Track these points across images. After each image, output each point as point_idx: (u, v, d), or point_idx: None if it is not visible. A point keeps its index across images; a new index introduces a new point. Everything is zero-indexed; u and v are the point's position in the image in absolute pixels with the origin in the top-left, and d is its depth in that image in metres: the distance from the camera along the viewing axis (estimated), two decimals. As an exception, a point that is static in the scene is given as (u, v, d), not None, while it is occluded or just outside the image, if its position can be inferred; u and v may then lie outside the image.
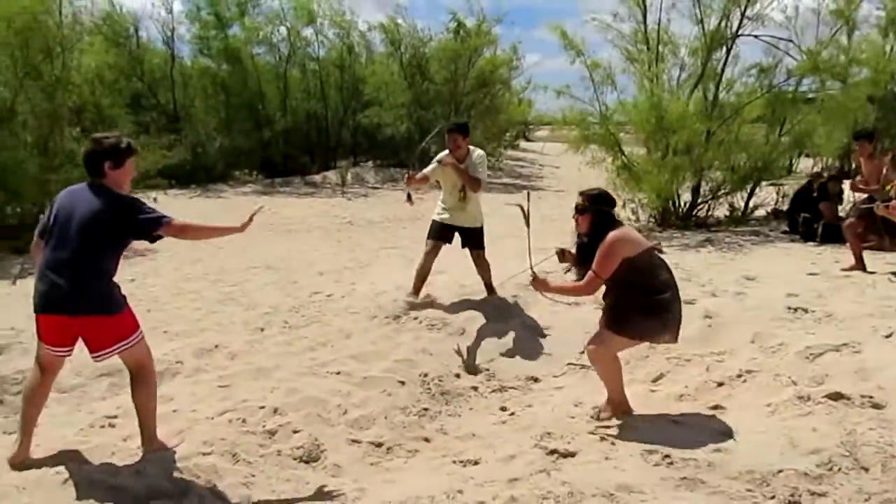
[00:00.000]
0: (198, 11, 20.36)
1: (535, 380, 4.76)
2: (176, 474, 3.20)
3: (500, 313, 5.65)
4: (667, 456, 3.23)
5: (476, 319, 5.49)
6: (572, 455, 3.49)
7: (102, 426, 3.83)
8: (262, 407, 3.98)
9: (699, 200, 10.01)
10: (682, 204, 10.03)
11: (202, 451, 3.45)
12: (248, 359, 4.96)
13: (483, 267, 5.97)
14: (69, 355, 3.44)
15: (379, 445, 3.80)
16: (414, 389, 4.45)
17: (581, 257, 3.91)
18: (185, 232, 3.43)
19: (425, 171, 5.85)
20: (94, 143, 3.46)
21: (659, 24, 9.61)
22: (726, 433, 3.41)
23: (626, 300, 3.73)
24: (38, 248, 3.40)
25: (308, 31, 21.74)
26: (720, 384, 4.09)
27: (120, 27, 21.69)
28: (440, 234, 5.90)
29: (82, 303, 3.22)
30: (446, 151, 5.79)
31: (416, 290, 5.96)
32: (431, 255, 5.87)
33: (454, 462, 3.57)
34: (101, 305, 3.26)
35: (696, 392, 4.09)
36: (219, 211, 16.02)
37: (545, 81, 17.23)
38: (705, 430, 3.50)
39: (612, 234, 3.74)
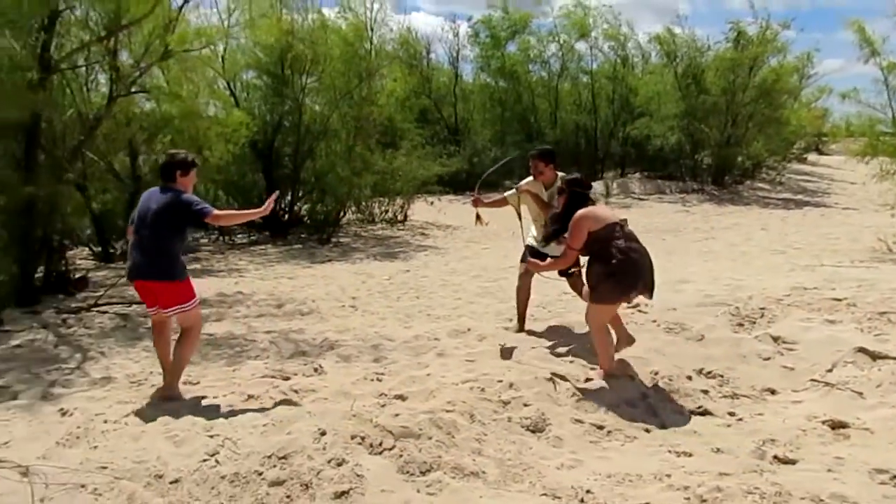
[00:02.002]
0: (477, 35, 22.06)
1: (772, 392, 4.66)
2: (422, 422, 3.85)
3: (742, 324, 5.57)
4: (896, 477, 3.10)
5: (716, 328, 5.47)
6: (792, 462, 3.48)
7: (371, 379, 4.67)
8: (500, 381, 4.51)
9: None
10: None
11: (446, 408, 4.07)
12: (495, 342, 5.56)
13: (578, 290, 5.57)
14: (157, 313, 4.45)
15: (600, 428, 4.10)
16: (642, 384, 4.65)
17: (555, 230, 4.68)
18: (220, 219, 4.54)
19: (506, 194, 5.87)
20: (169, 156, 4.50)
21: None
22: (980, 466, 3.14)
23: (593, 271, 4.47)
24: (130, 231, 4.51)
25: (581, 46, 22.32)
26: None
27: (415, 50, 24.23)
28: (532, 253, 5.67)
29: (153, 272, 4.29)
30: (530, 178, 5.74)
31: (521, 318, 5.81)
32: (525, 278, 5.71)
33: (669, 451, 3.75)
34: (167, 274, 4.28)
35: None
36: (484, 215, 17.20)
37: (846, 89, 15.69)
38: (955, 460, 3.24)
39: (579, 212, 4.46)
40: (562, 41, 21.97)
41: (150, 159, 12.05)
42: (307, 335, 6.18)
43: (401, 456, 3.52)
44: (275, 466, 3.40)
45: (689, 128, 19.51)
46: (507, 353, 5.26)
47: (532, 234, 5.89)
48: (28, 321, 6.92)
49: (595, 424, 4.12)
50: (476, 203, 5.73)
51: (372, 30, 14.91)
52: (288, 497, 3.18)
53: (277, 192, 4.53)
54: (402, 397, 4.31)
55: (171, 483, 3.25)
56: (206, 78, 13.36)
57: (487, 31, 21.78)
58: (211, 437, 3.71)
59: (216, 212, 4.33)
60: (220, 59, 13.20)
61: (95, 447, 3.65)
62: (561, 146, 22.54)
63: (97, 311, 7.28)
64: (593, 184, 19.25)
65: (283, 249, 12.55)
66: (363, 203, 15.92)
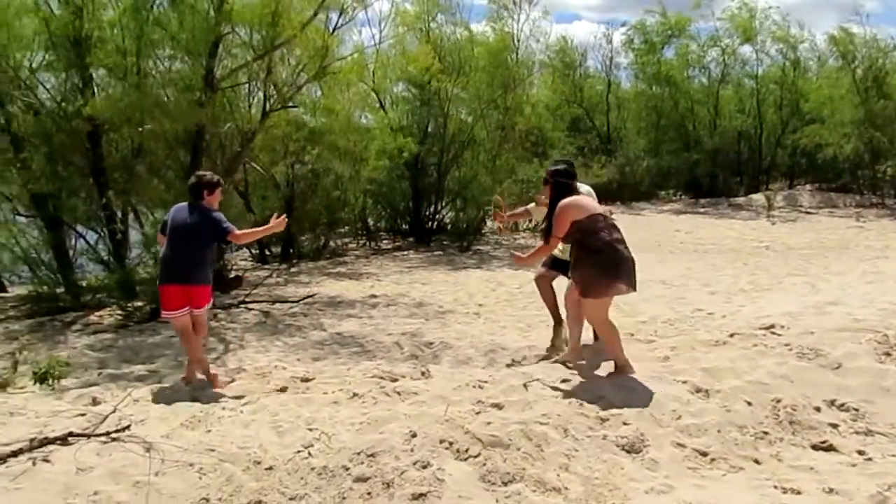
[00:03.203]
0: (631, 42, 21.45)
1: (915, 431, 4.14)
2: (513, 432, 3.84)
3: (889, 353, 4.99)
4: None
5: (857, 356, 4.94)
6: (918, 512, 3.09)
7: (473, 386, 4.71)
8: (601, 397, 4.38)
9: None
10: None
11: (539, 420, 4.03)
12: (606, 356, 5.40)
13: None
14: (187, 313, 5.00)
15: (703, 454, 3.86)
16: (759, 412, 4.31)
17: (548, 224, 4.67)
18: (239, 238, 5.12)
19: (528, 206, 5.91)
20: (196, 178, 5.10)
21: None
22: None
23: (579, 263, 4.54)
24: (161, 240, 5.14)
25: (745, 49, 21.01)
26: None
27: (570, 59, 24.03)
28: (552, 263, 5.65)
29: (192, 278, 4.94)
30: None
31: (554, 316, 5.69)
32: (541, 281, 5.69)
33: (775, 487, 3.47)
34: (202, 279, 4.98)
35: None
36: (636, 227, 16.71)
37: None
38: None
39: (564, 201, 4.53)
40: (724, 45, 20.80)
41: (305, 169, 12.95)
42: (426, 339, 6.36)
43: (484, 464, 3.54)
44: (362, 463, 3.54)
45: (867, 136, 17.70)
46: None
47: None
48: (187, 314, 7.68)
49: (698, 450, 3.89)
50: (496, 217, 5.89)
51: (518, 40, 14.98)
52: (368, 494, 3.31)
53: (284, 215, 5.22)
54: (498, 406, 4.31)
55: (265, 469, 3.50)
56: (360, 92, 14.17)
57: (642, 37, 21.11)
58: (310, 430, 3.94)
59: (236, 231, 5.02)
60: (372, 74, 13.89)
61: (209, 431, 4.00)
62: (720, 155, 21.36)
63: (245, 308, 7.94)
64: (753, 196, 18.23)
65: (425, 256, 12.94)
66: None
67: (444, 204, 15.09)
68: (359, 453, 3.61)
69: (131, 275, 8.19)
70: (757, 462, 3.85)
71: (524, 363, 5.35)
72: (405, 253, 13.40)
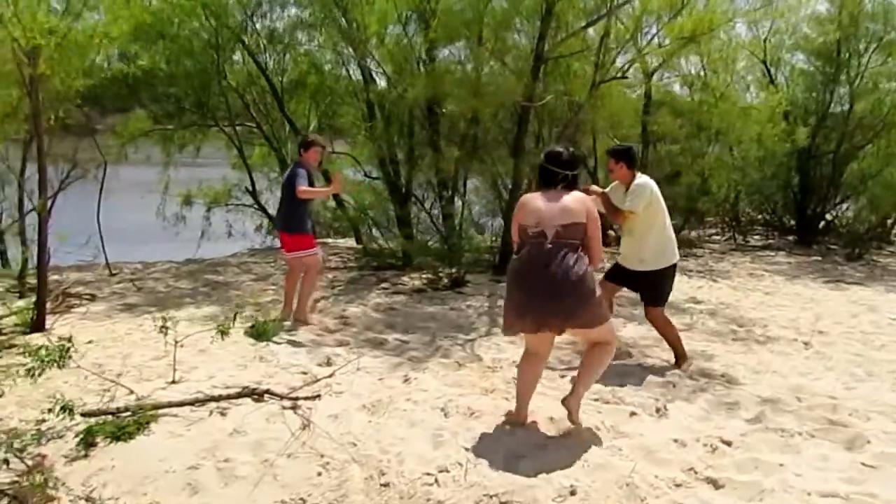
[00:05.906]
0: None
1: None
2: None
3: None
4: None
5: None
6: None
7: (704, 444, 3.53)
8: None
9: None
10: None
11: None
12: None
13: (657, 328, 5.07)
14: (292, 257, 5.89)
15: None
16: None
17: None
18: (303, 194, 5.63)
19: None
20: (304, 136, 6.19)
21: None
22: None
23: None
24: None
25: None
26: None
27: None
28: (612, 272, 5.12)
29: (283, 225, 5.89)
30: None
31: None
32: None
33: None
34: (290, 227, 5.80)
35: None
36: None
37: None
38: None
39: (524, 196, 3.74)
40: None
41: (667, 148, 11.78)
42: (706, 365, 5.12)
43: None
44: (486, 510, 2.89)
45: None
46: None
47: None
48: (486, 288, 7.62)
49: None
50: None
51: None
52: (466, 553, 2.67)
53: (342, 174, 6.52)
54: (715, 484, 3.16)
55: (381, 485, 3.09)
56: (747, 64, 12.36)
57: None
58: (466, 449, 3.40)
59: (301, 188, 5.59)
60: (763, 43, 11.92)
61: (371, 422, 3.73)
62: None
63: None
64: None
65: (797, 259, 10.80)
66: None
67: (837, 200, 12.39)
68: (491, 496, 2.97)
69: (448, 242, 8.39)
70: None
71: (799, 430, 3.86)
72: (773, 254, 11.36)
